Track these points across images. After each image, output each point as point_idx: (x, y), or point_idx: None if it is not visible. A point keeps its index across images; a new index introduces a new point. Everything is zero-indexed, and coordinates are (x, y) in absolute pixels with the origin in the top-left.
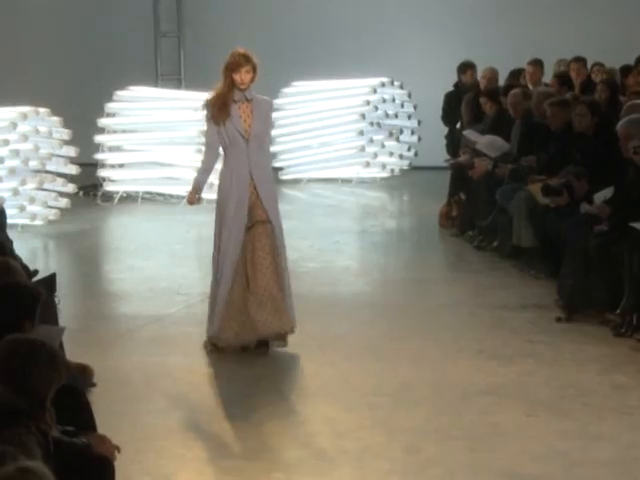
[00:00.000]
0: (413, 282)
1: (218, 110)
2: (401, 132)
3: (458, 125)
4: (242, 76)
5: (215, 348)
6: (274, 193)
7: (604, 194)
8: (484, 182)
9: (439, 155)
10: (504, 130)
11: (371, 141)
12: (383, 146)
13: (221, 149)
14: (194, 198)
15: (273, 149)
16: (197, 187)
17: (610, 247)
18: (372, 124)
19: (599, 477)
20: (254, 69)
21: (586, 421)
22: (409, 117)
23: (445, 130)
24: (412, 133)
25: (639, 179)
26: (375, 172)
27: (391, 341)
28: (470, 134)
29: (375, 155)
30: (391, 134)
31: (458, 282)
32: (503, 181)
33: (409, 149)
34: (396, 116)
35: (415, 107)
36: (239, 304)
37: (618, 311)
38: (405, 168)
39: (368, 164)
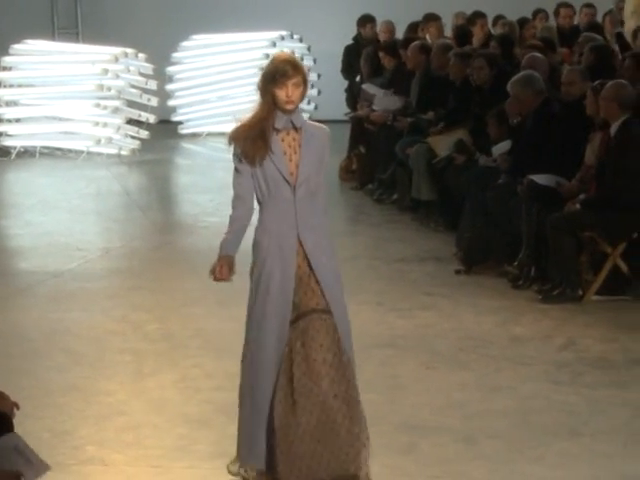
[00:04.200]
0: None
1: (252, 143)
2: None
3: (358, 78)
4: (289, 91)
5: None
6: (335, 266)
7: (502, 147)
8: (384, 135)
9: (339, 109)
10: (403, 83)
11: None
12: None
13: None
14: (223, 273)
15: (173, 102)
16: (225, 257)
17: (508, 199)
18: None
19: (497, 428)
20: (304, 81)
21: (484, 372)
22: (308, 71)
23: (345, 84)
24: (312, 86)
25: (536, 131)
26: None
27: None
28: (369, 87)
29: None
30: None
31: (357, 235)
32: (402, 134)
33: (309, 102)
34: None
35: (315, 61)
36: (283, 428)
37: (516, 263)
38: None
39: None
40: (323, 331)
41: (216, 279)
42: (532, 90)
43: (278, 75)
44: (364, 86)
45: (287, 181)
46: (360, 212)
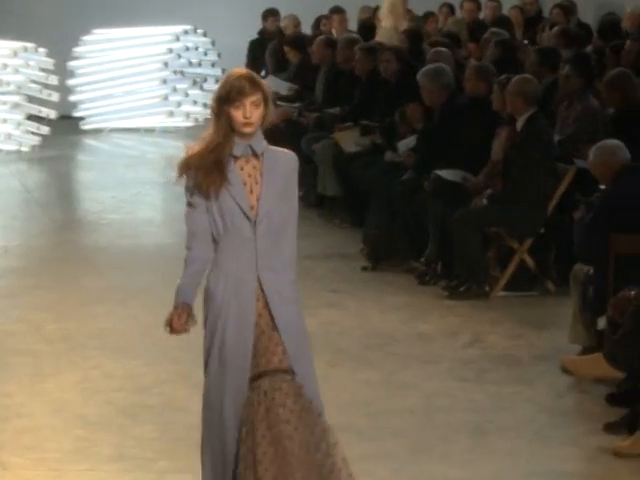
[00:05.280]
0: None
1: (206, 174)
2: (205, 80)
3: (263, 73)
4: (247, 111)
5: None
6: (300, 316)
7: (408, 142)
8: (289, 131)
9: None
10: (308, 78)
11: (174, 90)
12: (187, 95)
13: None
14: (181, 323)
15: (75, 98)
16: (182, 305)
17: (414, 195)
18: (175, 72)
19: (403, 425)
20: (265, 101)
21: (390, 370)
22: (213, 65)
23: None
24: (216, 82)
25: (443, 126)
26: (179, 121)
27: None
28: (272, 82)
29: (179, 104)
30: (195, 82)
31: None
32: (308, 130)
33: None
34: (200, 64)
35: (219, 55)
36: None
37: (422, 259)
38: (209, 117)
39: (172, 113)
40: (290, 395)
41: (173, 331)
42: (439, 84)
43: (233, 93)
44: (266, 80)
45: (247, 216)
46: None
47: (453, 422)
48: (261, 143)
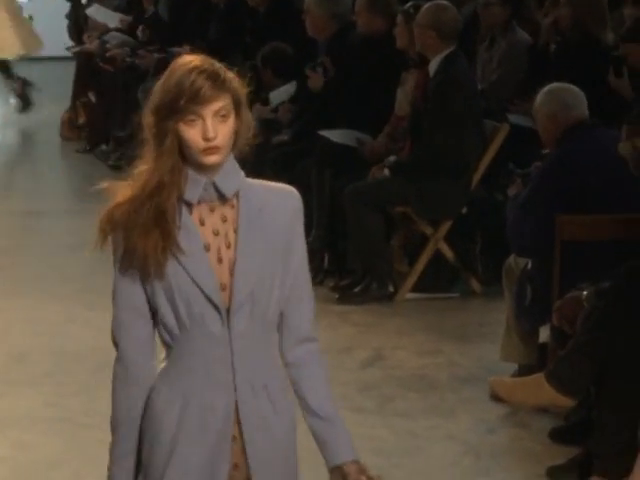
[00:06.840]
0: (26, 216)
1: (144, 236)
2: None
3: (84, 0)
4: (208, 128)
5: None
6: (294, 467)
7: (284, 91)
8: (122, 78)
9: (58, 41)
10: (146, 6)
11: None
12: None
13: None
14: None
15: None
16: None
17: (292, 164)
18: None
19: None
20: (237, 107)
21: None
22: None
23: (66, 7)
24: (29, 17)
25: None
26: None
27: None
28: (96, 12)
29: None
30: None
31: (86, 216)
32: (147, 75)
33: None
34: None
35: None
36: None
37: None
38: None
39: None
40: None
41: None
42: (329, 11)
43: (184, 99)
44: (89, 11)
45: (213, 302)
46: (91, 183)
47: None
48: (234, 178)
